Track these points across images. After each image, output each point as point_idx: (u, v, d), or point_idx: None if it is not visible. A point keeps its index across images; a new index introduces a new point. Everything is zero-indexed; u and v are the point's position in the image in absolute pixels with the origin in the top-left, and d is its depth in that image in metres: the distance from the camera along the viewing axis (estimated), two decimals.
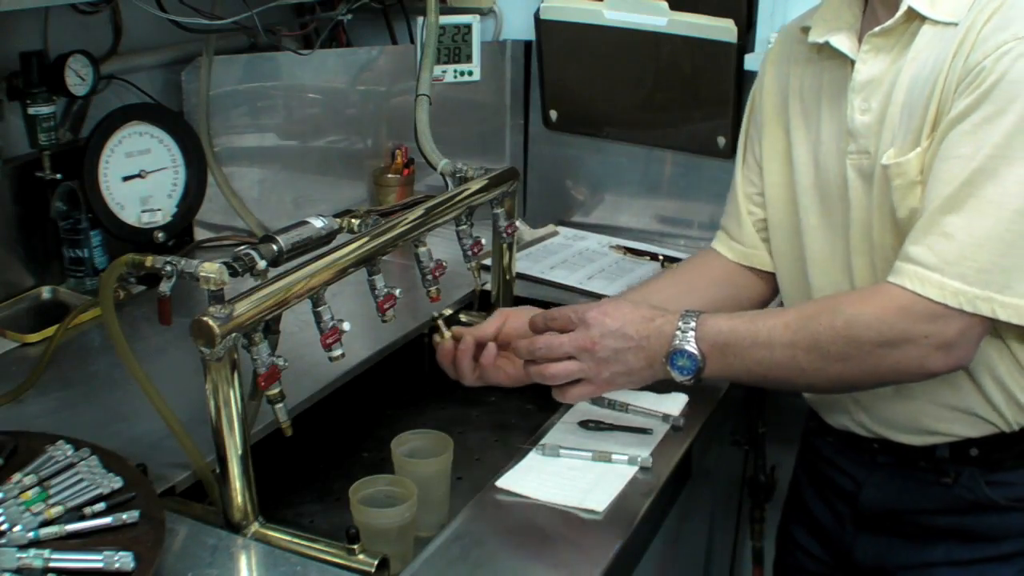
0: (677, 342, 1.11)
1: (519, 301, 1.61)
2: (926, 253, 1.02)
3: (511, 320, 1.29)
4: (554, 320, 1.19)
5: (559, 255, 1.88)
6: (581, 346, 1.14)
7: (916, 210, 1.07)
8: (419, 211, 1.28)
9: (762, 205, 1.33)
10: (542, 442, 1.21)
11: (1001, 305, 1.00)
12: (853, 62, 1.14)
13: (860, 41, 1.14)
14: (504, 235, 1.50)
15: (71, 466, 1.02)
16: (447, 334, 1.26)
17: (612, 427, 1.25)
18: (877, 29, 1.11)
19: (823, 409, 1.31)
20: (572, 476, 1.15)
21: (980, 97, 1.00)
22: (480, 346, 1.26)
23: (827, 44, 1.16)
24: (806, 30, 1.21)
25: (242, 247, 1.07)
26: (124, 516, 0.94)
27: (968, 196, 1.00)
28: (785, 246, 1.29)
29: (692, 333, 1.11)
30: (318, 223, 1.14)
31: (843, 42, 1.15)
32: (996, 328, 1.08)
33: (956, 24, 1.05)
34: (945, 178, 1.03)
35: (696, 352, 1.11)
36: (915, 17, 1.08)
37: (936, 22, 1.07)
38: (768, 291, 1.37)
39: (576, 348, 1.14)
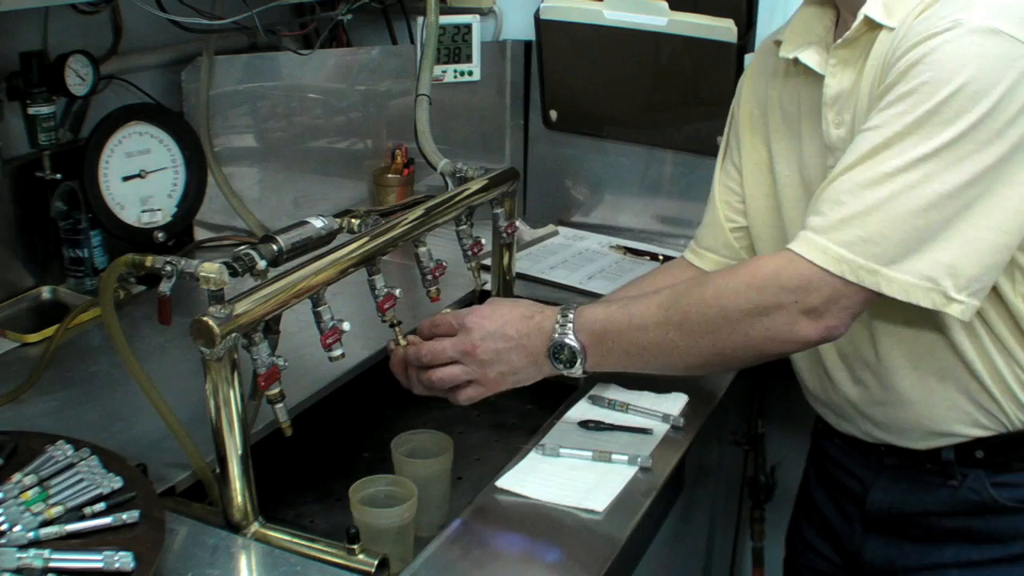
0: (557, 336, 1.13)
1: None
2: (816, 218, 1.02)
3: None
4: (438, 326, 1.21)
5: (559, 255, 1.88)
6: (463, 350, 1.17)
7: None
8: (419, 211, 1.28)
9: (742, 213, 1.33)
10: (542, 442, 1.21)
11: (887, 279, 0.99)
12: (823, 76, 1.13)
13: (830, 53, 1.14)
14: (504, 235, 1.50)
15: (71, 466, 1.02)
16: (402, 341, 1.26)
17: (612, 427, 1.25)
18: (840, 41, 1.11)
19: (828, 415, 1.31)
20: (572, 476, 1.15)
21: (898, 77, 1.00)
22: None
23: (797, 60, 1.16)
24: (779, 43, 1.21)
25: (242, 247, 1.07)
26: (124, 516, 0.94)
27: (867, 167, 1.00)
28: None
29: (571, 326, 1.13)
30: (318, 223, 1.14)
31: (812, 57, 1.15)
32: (988, 321, 1.09)
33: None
34: (852, 150, 1.02)
35: (576, 344, 1.12)
36: (874, 26, 1.07)
37: (891, 29, 1.06)
38: None
39: (458, 352, 1.17)
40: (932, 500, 1.21)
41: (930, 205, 0.97)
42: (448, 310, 1.53)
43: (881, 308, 1.03)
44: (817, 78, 1.15)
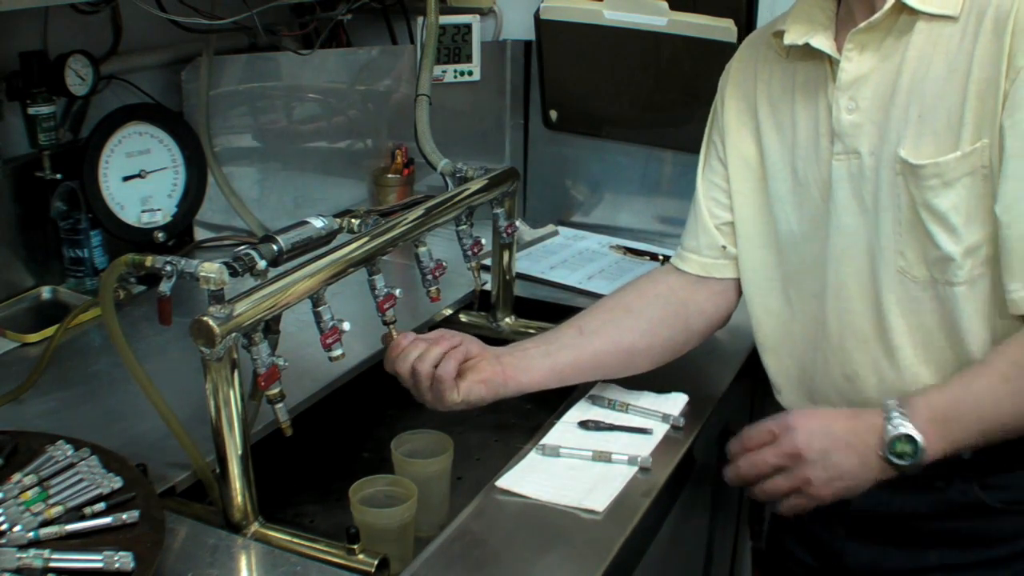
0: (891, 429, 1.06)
1: (519, 301, 1.61)
2: None
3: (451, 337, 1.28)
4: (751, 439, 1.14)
5: (559, 255, 1.88)
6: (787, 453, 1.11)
7: (955, 206, 1.06)
8: (419, 211, 1.28)
9: (728, 208, 1.31)
10: (542, 442, 1.21)
11: None
12: (834, 61, 1.13)
13: (835, 40, 1.14)
14: (504, 235, 1.50)
15: (71, 466, 1.02)
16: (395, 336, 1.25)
17: (612, 427, 1.25)
18: (863, 25, 1.10)
19: None
20: (572, 476, 1.15)
21: None
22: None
23: (806, 45, 1.15)
24: (779, 34, 1.20)
25: (242, 247, 1.07)
26: (124, 516, 0.94)
27: None
28: (755, 256, 1.28)
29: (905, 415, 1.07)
30: (318, 223, 1.14)
31: (823, 42, 1.14)
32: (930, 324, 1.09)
33: (954, 18, 1.04)
34: None
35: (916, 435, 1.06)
36: (903, 10, 1.07)
37: (932, 16, 1.05)
38: (727, 301, 1.34)
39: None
40: (917, 502, 1.19)
41: None
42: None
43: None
44: (820, 64, 1.15)
